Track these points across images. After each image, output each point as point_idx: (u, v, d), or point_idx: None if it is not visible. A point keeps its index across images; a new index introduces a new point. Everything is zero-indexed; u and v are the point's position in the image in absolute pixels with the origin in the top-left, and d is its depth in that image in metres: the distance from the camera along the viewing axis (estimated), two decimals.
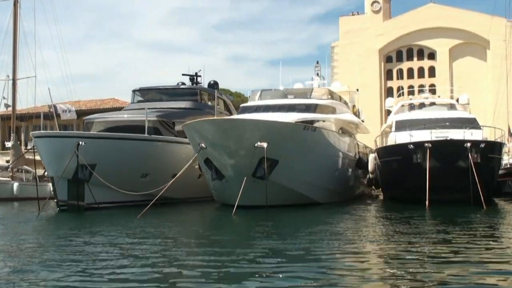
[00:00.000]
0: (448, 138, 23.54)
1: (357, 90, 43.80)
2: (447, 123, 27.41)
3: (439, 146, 22.64)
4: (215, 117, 22.31)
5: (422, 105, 34.66)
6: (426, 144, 22.66)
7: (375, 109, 61.75)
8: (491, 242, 11.94)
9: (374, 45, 64.96)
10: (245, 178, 21.68)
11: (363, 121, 40.89)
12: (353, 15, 71.15)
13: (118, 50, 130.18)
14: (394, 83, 65.05)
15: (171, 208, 24.37)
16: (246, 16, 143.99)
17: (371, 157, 30.30)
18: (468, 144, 22.24)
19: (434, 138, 23.97)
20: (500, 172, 36.82)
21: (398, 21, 65.65)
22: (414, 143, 23.99)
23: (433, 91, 57.99)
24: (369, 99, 60.92)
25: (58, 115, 34.09)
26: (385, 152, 27.47)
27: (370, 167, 30.33)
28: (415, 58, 65.72)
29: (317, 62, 44.33)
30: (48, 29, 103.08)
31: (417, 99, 38.12)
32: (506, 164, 38.17)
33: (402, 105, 35.89)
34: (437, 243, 12.01)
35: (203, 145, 22.21)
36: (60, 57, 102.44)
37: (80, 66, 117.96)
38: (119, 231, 14.82)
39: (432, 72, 64.62)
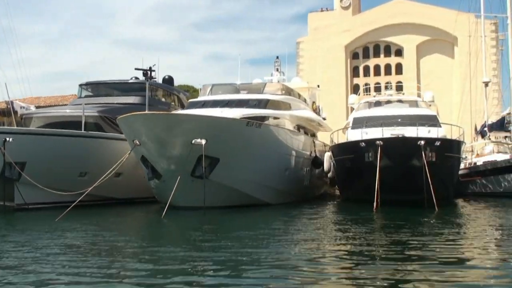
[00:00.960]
0: (400, 136, 22.47)
1: (318, 86, 42.63)
2: (406, 121, 26.37)
3: (391, 144, 21.56)
4: (148, 112, 20.89)
5: (384, 102, 33.72)
6: (378, 142, 21.58)
7: (341, 107, 60.94)
8: (424, 249, 10.91)
9: (340, 41, 64.24)
10: (182, 177, 20.45)
11: (324, 118, 39.89)
12: (322, 11, 70.41)
13: (96, 48, 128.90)
14: (360, 80, 64.37)
15: (108, 209, 23.00)
16: (226, 15, 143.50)
17: (327, 156, 29.22)
18: (422, 142, 21.16)
19: (388, 136, 22.91)
20: (463, 172, 36.26)
21: (364, 16, 65.03)
22: (366, 141, 22.94)
23: (400, 88, 57.72)
24: (335, 96, 60.20)
25: (16, 112, 32.47)
26: (338, 150, 26.41)
27: (326, 166, 29.23)
28: (382, 55, 65.19)
29: (277, 58, 43.36)
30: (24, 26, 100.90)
31: (381, 97, 37.36)
32: (469, 164, 37.54)
33: (363, 102, 34.99)
34: (369, 247, 11.06)
35: (137, 141, 20.92)
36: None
37: (59, 64, 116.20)
38: (26, 235, 13.52)
39: (399, 69, 64.10)
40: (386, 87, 50.14)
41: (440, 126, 27.04)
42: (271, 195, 24.54)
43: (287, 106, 29.13)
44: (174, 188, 20.40)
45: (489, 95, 46.43)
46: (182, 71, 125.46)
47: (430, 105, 46.77)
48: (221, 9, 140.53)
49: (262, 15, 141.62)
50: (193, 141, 20.04)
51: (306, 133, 32.58)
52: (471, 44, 48.53)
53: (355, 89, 63.49)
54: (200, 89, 31.18)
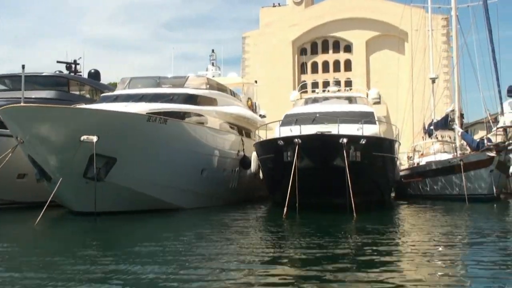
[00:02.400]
0: (319, 133, 20.77)
1: (256, 82, 40.94)
2: (339, 117, 24.66)
3: (310, 142, 19.82)
4: (24, 104, 18.70)
5: (322, 99, 32.24)
6: (296, 140, 19.84)
7: (287, 105, 58.91)
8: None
9: (287, 36, 62.75)
10: (73, 179, 18.49)
11: (263, 116, 38.27)
12: (274, 6, 68.93)
13: (65, 46, 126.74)
14: (308, 77, 62.86)
15: None
16: (197, 14, 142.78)
17: (254, 156, 27.41)
18: (345, 140, 19.47)
19: (312, 133, 21.20)
20: (405, 172, 35.00)
21: (312, 11, 63.64)
22: (284, 139, 21.18)
23: (349, 85, 56.55)
24: (282, 93, 58.45)
25: None
26: (260, 149, 24.59)
27: (253, 166, 27.40)
28: (330, 51, 63.94)
29: (212, 51, 41.71)
30: None
31: (323, 94, 35.98)
32: (413, 164, 36.27)
33: (300, 99, 33.52)
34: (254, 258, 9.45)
35: (20, 138, 18.83)
36: None
37: (26, 62, 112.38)
38: None
39: (348, 65, 62.92)
40: (326, 84, 48.69)
41: (375, 124, 25.61)
42: (185, 199, 22.67)
43: (212, 102, 27.40)
44: (66, 192, 18.62)
45: (439, 92, 45.39)
46: (152, 70, 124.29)
47: (377, 102, 45.92)
48: (191, 9, 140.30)
49: (232, 15, 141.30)
50: (82, 138, 18.03)
51: (241, 131, 30.94)
52: (422, 40, 47.48)
53: (303, 86, 61.98)
54: (118, 82, 29.14)
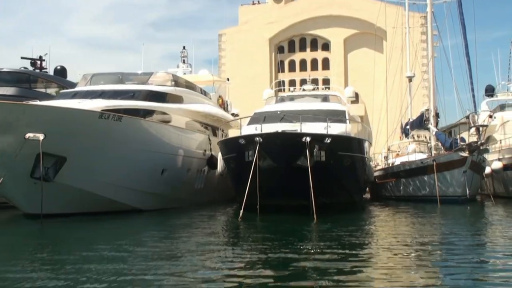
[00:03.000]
0: (281, 131, 19.92)
1: (228, 79, 40.11)
2: (308, 116, 23.82)
3: (271, 141, 18.95)
4: None
5: (295, 97, 31.56)
6: (257, 139, 18.97)
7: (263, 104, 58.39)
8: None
9: (263, 34, 61.89)
10: (19, 179, 17.58)
11: (235, 114, 37.40)
12: (253, 4, 68.13)
13: (52, 46, 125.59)
14: (285, 76, 62.04)
15: None
16: (184, 14, 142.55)
17: (220, 155, 26.50)
18: (308, 139, 18.65)
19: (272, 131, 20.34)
20: (379, 173, 34.31)
21: (289, 8, 62.80)
22: (245, 137, 20.29)
23: (327, 84, 55.76)
24: (258, 92, 57.49)
25: None
26: (223, 148, 23.65)
27: (219, 166, 26.44)
28: (308, 49, 63.14)
29: (184, 48, 40.87)
30: None
31: (296, 92, 35.28)
32: (388, 164, 35.61)
33: (272, 97, 32.75)
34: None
35: None
36: None
37: (13, 62, 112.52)
38: None
39: (326, 64, 62.19)
40: (304, 83, 47.77)
41: (345, 122, 24.84)
42: (143, 200, 21.80)
43: (177, 99, 26.59)
44: (14, 193, 17.79)
45: (418, 91, 44.79)
46: (138, 70, 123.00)
47: (354, 101, 45.26)
48: (178, 9, 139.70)
49: (219, 15, 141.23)
50: (26, 136, 17.10)
51: (214, 130, 30.16)
52: (400, 38, 46.92)
53: (280, 85, 61.16)
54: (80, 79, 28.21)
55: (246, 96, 52.11)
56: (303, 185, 18.41)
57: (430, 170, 25.58)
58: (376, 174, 34.14)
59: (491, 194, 26.94)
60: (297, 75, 60.68)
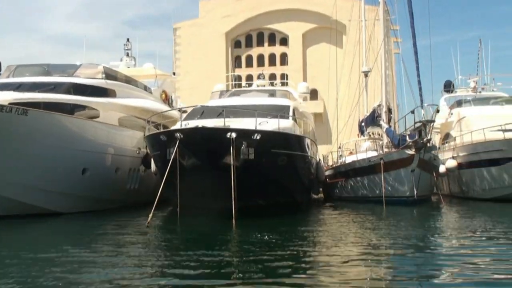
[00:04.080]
0: (201, 126, 18.28)
1: (174, 74, 38.43)
2: (249, 111, 22.22)
3: (193, 137, 17.31)
4: None
5: (242, 92, 30.11)
6: (177, 134, 17.32)
7: None
8: None
9: (220, 28, 60.24)
10: None
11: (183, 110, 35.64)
12: None
13: (26, 43, 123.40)
14: (242, 71, 60.39)
15: None
16: (160, 13, 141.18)
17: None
18: (233, 135, 17.07)
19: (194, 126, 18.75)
20: (330, 173, 32.92)
21: (247, 2, 61.13)
22: (166, 133, 18.61)
23: (285, 78, 54.34)
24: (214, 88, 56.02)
25: None
26: (149, 145, 21.87)
27: (153, 166, 24.74)
28: (266, 44, 61.67)
29: (128, 40, 39.02)
30: None
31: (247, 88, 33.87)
32: (334, 163, 34.27)
33: (216, 92, 31.14)
34: None
35: None
36: None
37: None
38: None
39: (284, 59, 60.69)
40: (258, 77, 46.22)
41: (287, 118, 23.38)
42: (61, 202, 20.11)
43: (108, 93, 24.94)
44: None
45: (378, 88, 43.47)
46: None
47: (313, 98, 43.93)
48: (155, 7, 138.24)
49: (196, 13, 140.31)
50: None
51: (156, 127, 28.38)
52: (361, 33, 45.61)
53: (235, 79, 59.57)
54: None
55: (201, 92, 50.50)
56: (227, 186, 16.90)
57: (378, 169, 24.24)
58: (327, 173, 32.77)
59: (440, 194, 25.70)
60: (255, 71, 59.11)
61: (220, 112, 22.86)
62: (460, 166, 28.53)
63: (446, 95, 40.29)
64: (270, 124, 20.69)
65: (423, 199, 23.78)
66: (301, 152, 22.19)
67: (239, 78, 59.15)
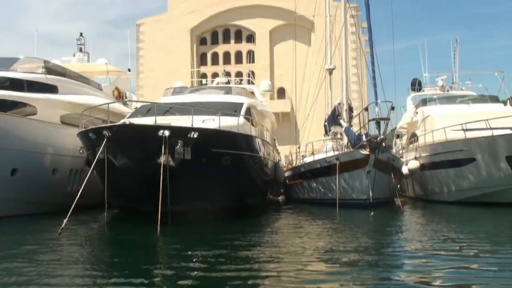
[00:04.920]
0: (129, 123, 16.99)
1: (129, 70, 37.03)
2: (199, 109, 20.99)
3: (122, 135, 16.05)
4: None
5: (197, 89, 29.01)
6: (104, 132, 16.07)
7: None
8: None
9: (185, 24, 58.88)
10: None
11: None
12: None
13: (8, 42, 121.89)
14: (208, 69, 59.23)
15: None
16: (144, 12, 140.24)
17: None
18: (166, 133, 15.82)
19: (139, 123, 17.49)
20: (288, 174, 31.88)
21: None
22: (95, 130, 17.29)
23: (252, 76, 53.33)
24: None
25: None
26: (82, 144, 20.53)
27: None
28: (232, 41, 60.41)
29: (81, 35, 37.68)
30: None
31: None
32: (289, 163, 33.20)
33: (168, 88, 30.02)
34: None
35: None
36: None
37: None
38: None
39: (251, 57, 59.55)
40: (227, 75, 45.00)
41: (238, 116, 22.20)
42: None
43: (48, 89, 23.60)
44: None
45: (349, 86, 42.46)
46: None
47: (282, 97, 42.74)
48: (138, 6, 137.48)
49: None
50: None
51: None
52: (329, 30, 44.58)
53: (202, 78, 58.41)
54: None
55: (165, 89, 49.14)
56: (171, 189, 15.74)
57: (334, 170, 23.18)
58: (286, 174, 31.74)
59: (398, 198, 24.58)
60: (220, 69, 57.85)
61: (167, 109, 21.85)
62: (422, 167, 27.63)
63: (413, 94, 39.51)
64: (215, 122, 19.55)
65: (381, 202, 22.67)
66: (250, 152, 21.03)
67: (204, 76, 58.10)
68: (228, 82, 38.53)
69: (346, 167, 22.66)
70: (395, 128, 37.35)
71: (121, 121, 19.69)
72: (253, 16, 57.96)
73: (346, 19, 29.97)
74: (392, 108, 21.65)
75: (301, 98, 52.82)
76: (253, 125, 24.30)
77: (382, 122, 21.42)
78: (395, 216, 20.51)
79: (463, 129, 22.94)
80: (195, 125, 17.42)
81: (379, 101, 23.56)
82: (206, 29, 60.18)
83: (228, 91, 27.81)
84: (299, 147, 35.19)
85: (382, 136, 20.98)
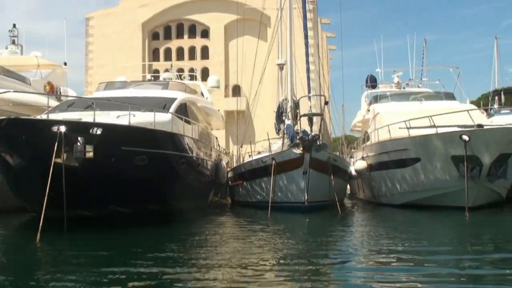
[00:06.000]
0: (13, 117, 15.21)
1: (65, 64, 35.17)
2: (121, 104, 19.40)
3: (10, 130, 14.30)
4: None
5: (134, 84, 27.40)
6: None
7: None
8: None
9: (136, 18, 57.03)
10: None
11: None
12: None
13: None
14: (161, 66, 57.33)
15: None
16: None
17: None
18: (61, 128, 14.13)
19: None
20: (231, 174, 30.37)
21: None
22: None
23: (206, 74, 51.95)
24: None
25: None
26: None
27: None
28: (186, 36, 58.72)
29: (14, 26, 35.70)
30: None
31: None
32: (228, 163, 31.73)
33: (102, 83, 28.39)
34: None
35: None
36: None
37: None
38: None
39: (205, 52, 57.99)
40: (180, 71, 43.46)
41: (165, 112, 20.70)
42: None
43: None
44: None
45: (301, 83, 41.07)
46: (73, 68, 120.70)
47: (229, 95, 41.17)
48: (113, 5, 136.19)
49: None
50: None
51: None
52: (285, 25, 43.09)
53: (155, 74, 56.67)
54: None
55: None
56: (73, 191, 14.16)
57: (271, 171, 21.70)
58: (230, 175, 30.19)
59: (336, 202, 22.64)
60: (174, 65, 56.19)
61: (89, 104, 20.34)
62: (370, 168, 26.35)
63: (367, 91, 38.22)
64: (136, 118, 18.02)
65: (319, 206, 21.14)
66: (176, 151, 19.52)
67: (156, 72, 56.27)
68: (176, 78, 37.27)
69: (282, 167, 21.20)
70: None
71: (38, 116, 18.12)
72: (208, 10, 56.36)
73: (291, 7, 28.50)
74: (326, 103, 20.29)
75: (256, 95, 51.59)
76: (188, 122, 22.84)
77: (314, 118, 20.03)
78: (324, 223, 18.94)
79: (407, 127, 21.64)
80: (102, 121, 15.88)
81: (310, 94, 22.19)
82: (159, 23, 58.40)
83: (165, 86, 26.36)
84: (241, 147, 33.61)
85: (313, 134, 19.54)
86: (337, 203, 20.64)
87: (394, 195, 24.41)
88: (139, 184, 17.28)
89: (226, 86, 56.42)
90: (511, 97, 37.81)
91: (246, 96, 55.32)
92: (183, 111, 23.41)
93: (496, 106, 36.26)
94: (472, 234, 14.79)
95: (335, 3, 78.82)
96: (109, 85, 27.02)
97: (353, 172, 27.12)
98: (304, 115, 20.71)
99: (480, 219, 18.27)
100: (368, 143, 26.76)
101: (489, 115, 34.44)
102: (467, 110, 20.86)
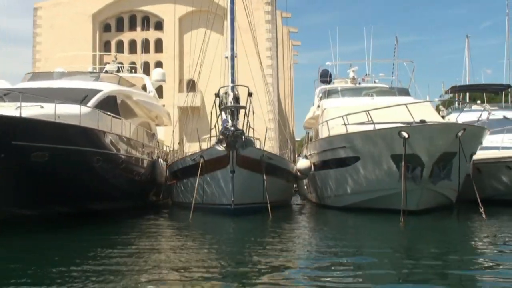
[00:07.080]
0: None
1: None
2: (27, 95, 17.88)
3: None
4: None
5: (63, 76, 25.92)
6: None
7: None
8: None
9: (86, 8, 55.03)
10: None
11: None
12: None
13: None
14: (112, 58, 55.45)
15: None
16: None
17: None
18: None
19: None
20: (168, 172, 28.81)
21: None
22: None
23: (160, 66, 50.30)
24: None
25: None
26: None
27: None
28: (139, 28, 56.88)
29: None
30: None
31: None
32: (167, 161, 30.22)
33: (28, 73, 26.83)
34: None
35: None
36: None
37: None
38: None
39: (159, 45, 56.28)
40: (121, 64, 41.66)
41: (85, 105, 19.23)
42: None
43: None
44: None
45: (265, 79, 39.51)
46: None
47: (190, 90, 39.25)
48: None
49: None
50: None
51: None
52: (244, 18, 41.55)
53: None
54: None
55: None
56: None
57: (201, 170, 20.14)
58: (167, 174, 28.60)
59: (268, 204, 21.05)
60: (126, 58, 54.34)
61: (0, 96, 19.00)
62: (314, 167, 24.98)
63: (321, 87, 36.84)
64: (44, 110, 16.57)
65: (249, 209, 19.52)
66: (92, 147, 17.99)
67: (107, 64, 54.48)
68: (119, 70, 35.90)
69: (211, 166, 19.72)
70: None
71: None
72: (162, 1, 54.59)
73: None
74: (250, 94, 18.86)
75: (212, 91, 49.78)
76: (116, 117, 21.36)
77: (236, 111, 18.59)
78: (247, 228, 17.41)
79: (344, 124, 20.26)
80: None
81: (232, 85, 20.76)
82: (110, 15, 56.45)
83: (97, 78, 24.93)
84: (179, 143, 32.07)
85: (233, 128, 18.02)
86: (269, 205, 19.08)
87: (337, 197, 23.07)
88: (39, 183, 15.73)
89: (181, 81, 54.76)
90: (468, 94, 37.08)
91: (201, 92, 53.73)
92: (111, 104, 22.02)
93: (457, 103, 35.36)
94: (400, 245, 13.29)
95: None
96: (35, 76, 25.80)
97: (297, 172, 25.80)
98: (225, 107, 19.24)
99: (418, 225, 16.90)
100: (314, 140, 25.38)
101: (448, 113, 33.40)
102: (406, 104, 19.18)
